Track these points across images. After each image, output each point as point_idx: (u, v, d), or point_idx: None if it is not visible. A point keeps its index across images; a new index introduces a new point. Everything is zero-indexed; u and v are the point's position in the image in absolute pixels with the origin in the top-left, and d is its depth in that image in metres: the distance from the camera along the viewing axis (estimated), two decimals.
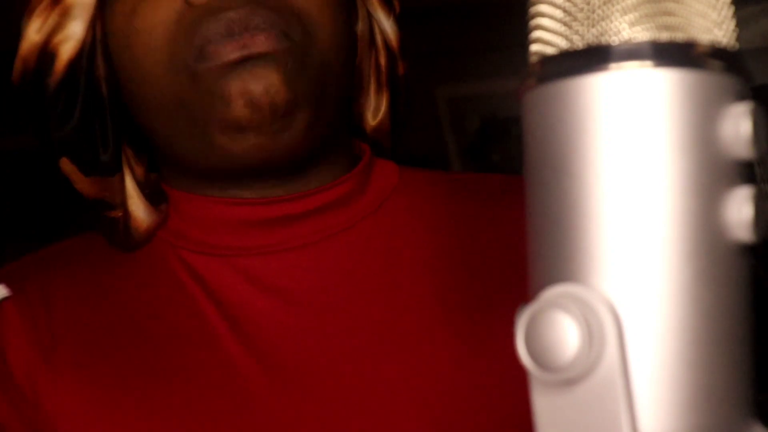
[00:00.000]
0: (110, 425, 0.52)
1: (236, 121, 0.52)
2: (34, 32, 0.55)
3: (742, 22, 0.29)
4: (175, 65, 0.52)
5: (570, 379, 0.26)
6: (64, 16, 0.54)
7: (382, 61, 0.62)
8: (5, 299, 0.57)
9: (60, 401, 0.53)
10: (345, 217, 0.58)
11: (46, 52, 0.55)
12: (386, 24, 0.61)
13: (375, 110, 0.63)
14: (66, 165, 0.57)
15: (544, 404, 0.28)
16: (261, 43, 0.51)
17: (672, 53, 0.27)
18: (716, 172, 0.27)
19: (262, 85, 0.51)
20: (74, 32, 0.54)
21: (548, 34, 0.29)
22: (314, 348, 0.54)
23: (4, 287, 0.58)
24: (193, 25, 0.51)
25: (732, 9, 0.28)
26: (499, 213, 0.62)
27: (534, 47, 0.30)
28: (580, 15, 0.28)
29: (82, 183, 0.57)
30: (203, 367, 0.54)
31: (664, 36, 0.27)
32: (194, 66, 0.52)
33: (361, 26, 0.61)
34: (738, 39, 0.29)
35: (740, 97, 0.27)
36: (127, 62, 0.54)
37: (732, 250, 0.27)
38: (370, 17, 0.61)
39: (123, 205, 0.58)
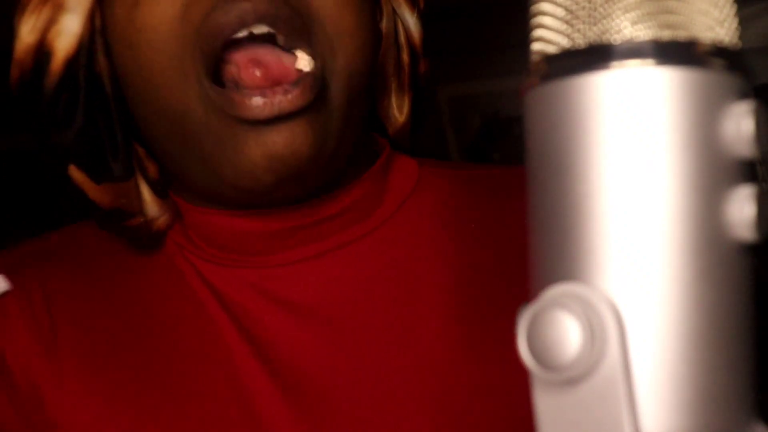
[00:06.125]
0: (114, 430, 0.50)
1: (253, 186, 0.48)
2: (27, 33, 0.50)
3: (742, 21, 0.29)
4: (185, 75, 0.47)
5: (572, 378, 0.26)
6: (58, 10, 0.49)
7: (405, 59, 0.58)
8: (5, 293, 0.54)
9: (63, 404, 0.51)
10: (362, 223, 0.55)
11: (42, 51, 0.50)
12: (410, 21, 0.58)
13: (398, 110, 0.59)
14: (75, 173, 0.52)
15: (545, 404, 0.28)
16: (287, 104, 0.46)
17: (674, 52, 0.26)
18: (718, 171, 0.27)
19: (289, 150, 0.47)
20: (70, 27, 0.49)
21: (550, 33, 0.29)
22: (329, 364, 0.52)
23: (4, 279, 0.54)
24: (203, 14, 0.46)
25: (734, 7, 0.28)
26: (518, 209, 0.59)
27: (535, 46, 0.29)
28: (581, 13, 0.28)
29: (94, 192, 0.52)
30: (213, 380, 0.51)
31: (666, 34, 0.27)
32: (206, 87, 0.47)
33: (385, 24, 0.57)
34: (739, 38, 0.29)
35: (742, 95, 0.27)
36: (130, 64, 0.49)
37: (734, 249, 0.27)
38: (394, 14, 0.58)
39: (142, 211, 0.54)
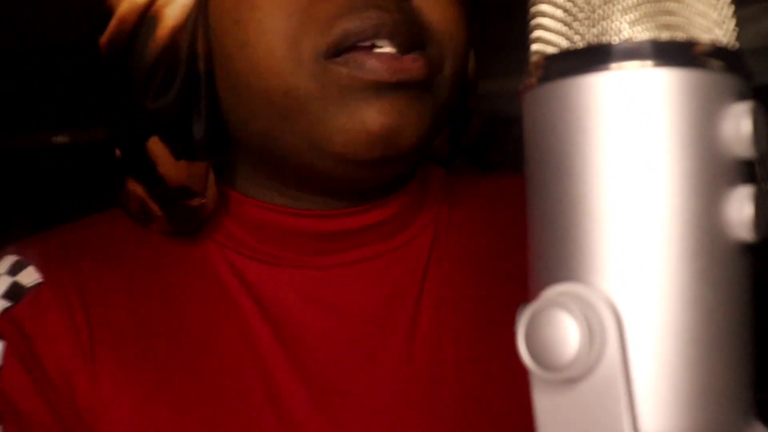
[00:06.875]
0: (150, 430, 0.50)
1: (353, 157, 0.48)
2: None
3: (742, 22, 0.29)
4: (300, 56, 0.47)
5: (571, 378, 0.26)
6: None
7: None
8: (37, 285, 0.53)
9: (96, 399, 0.50)
10: (401, 234, 0.56)
11: (148, 15, 0.49)
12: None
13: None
14: (156, 146, 0.51)
15: (544, 403, 0.28)
16: (415, 71, 0.47)
17: (672, 52, 0.27)
18: (717, 171, 0.27)
19: (396, 125, 0.47)
20: None
21: (549, 34, 0.29)
22: (362, 369, 0.53)
23: (36, 270, 0.53)
24: (332, 15, 0.47)
25: (732, 8, 0.28)
26: None
27: (534, 47, 0.30)
28: (580, 15, 0.28)
29: (169, 167, 0.51)
30: (244, 378, 0.51)
31: (665, 35, 0.27)
32: (324, 63, 0.47)
33: None
34: (738, 39, 0.29)
35: (741, 96, 0.27)
36: (235, 41, 0.49)
37: (732, 249, 0.27)
38: None
39: (203, 192, 0.53)
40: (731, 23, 0.28)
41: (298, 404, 0.51)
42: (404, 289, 0.55)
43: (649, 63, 0.26)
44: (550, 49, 0.29)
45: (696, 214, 0.26)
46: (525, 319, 0.27)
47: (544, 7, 0.29)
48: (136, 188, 0.54)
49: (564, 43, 0.28)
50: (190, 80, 0.50)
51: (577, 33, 0.28)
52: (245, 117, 0.51)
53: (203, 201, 0.53)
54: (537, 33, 0.29)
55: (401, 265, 0.56)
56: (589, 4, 0.27)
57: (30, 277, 0.53)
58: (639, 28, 0.27)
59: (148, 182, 0.53)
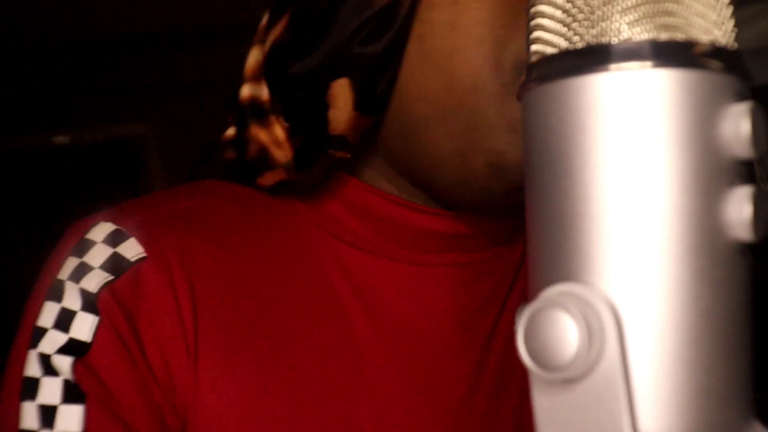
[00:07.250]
0: (247, 419, 0.49)
1: (484, 183, 0.49)
2: None
3: (742, 22, 0.29)
4: (501, 60, 0.47)
5: (570, 378, 0.27)
6: None
7: None
8: (141, 260, 0.49)
9: (197, 387, 0.49)
10: (503, 245, 0.57)
11: None
12: None
13: None
14: (340, 89, 0.50)
15: (544, 403, 0.28)
16: None
17: (671, 53, 0.27)
18: (716, 172, 0.27)
19: None
20: None
21: (548, 34, 0.29)
22: (442, 369, 0.54)
23: (137, 243, 0.50)
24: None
25: (731, 9, 0.28)
26: None
27: (534, 47, 0.30)
28: (579, 15, 0.28)
29: (342, 113, 0.50)
30: (341, 368, 0.52)
31: (664, 36, 0.27)
32: (509, 78, 0.47)
33: None
34: (738, 39, 0.29)
35: (739, 96, 0.27)
36: (446, 21, 0.48)
37: (731, 249, 0.27)
38: None
39: (353, 149, 0.52)
40: (730, 24, 0.28)
41: (392, 401, 0.52)
42: (490, 300, 0.56)
43: (648, 63, 0.27)
44: (550, 50, 0.29)
45: (695, 215, 0.26)
46: (524, 319, 0.27)
47: (543, 8, 0.29)
48: (260, 134, 0.52)
49: (563, 44, 0.28)
50: (397, 39, 0.49)
51: (576, 34, 0.28)
52: (413, 96, 0.50)
53: (348, 156, 0.52)
54: (536, 33, 0.29)
55: (493, 277, 0.56)
56: (588, 5, 0.28)
57: (133, 250, 0.50)
58: (638, 28, 0.27)
59: (303, 122, 0.51)
